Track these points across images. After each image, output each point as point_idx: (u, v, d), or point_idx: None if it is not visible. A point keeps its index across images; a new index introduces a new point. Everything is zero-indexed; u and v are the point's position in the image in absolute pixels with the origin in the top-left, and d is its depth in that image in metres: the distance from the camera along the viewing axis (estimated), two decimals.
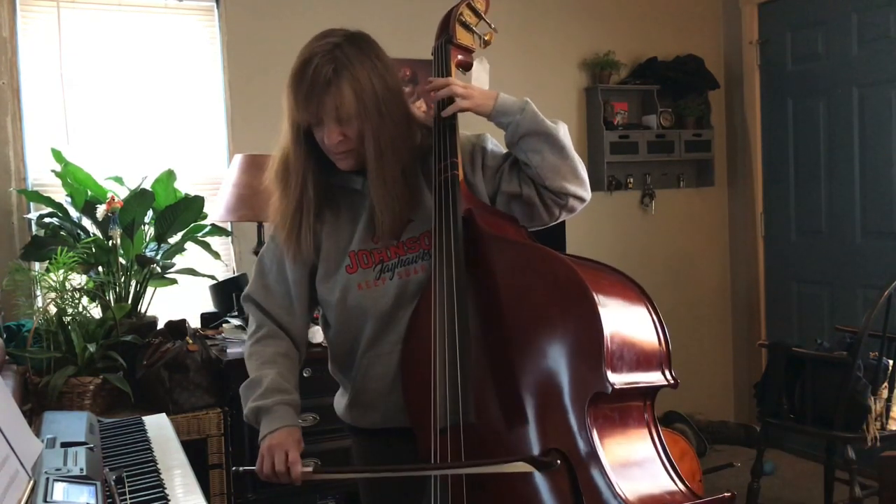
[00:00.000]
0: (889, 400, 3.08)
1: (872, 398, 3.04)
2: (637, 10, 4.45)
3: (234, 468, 1.62)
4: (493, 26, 1.81)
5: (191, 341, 2.83)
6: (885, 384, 3.08)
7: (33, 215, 3.12)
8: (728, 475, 3.87)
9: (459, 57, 1.76)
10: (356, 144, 1.59)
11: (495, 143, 1.74)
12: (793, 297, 4.41)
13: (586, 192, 1.66)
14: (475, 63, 1.85)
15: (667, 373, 1.53)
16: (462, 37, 1.76)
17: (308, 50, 1.57)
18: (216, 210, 3.18)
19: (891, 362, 3.11)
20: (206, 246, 3.14)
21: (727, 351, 4.75)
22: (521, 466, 1.37)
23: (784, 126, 4.41)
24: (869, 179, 4.00)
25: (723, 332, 4.74)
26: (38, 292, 2.99)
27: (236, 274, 3.46)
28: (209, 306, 3.39)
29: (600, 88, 4.26)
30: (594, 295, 1.43)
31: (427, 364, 1.52)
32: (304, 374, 1.69)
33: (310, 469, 1.54)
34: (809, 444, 4.13)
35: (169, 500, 1.49)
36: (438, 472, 1.45)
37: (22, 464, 1.32)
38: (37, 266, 3.07)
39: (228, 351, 2.88)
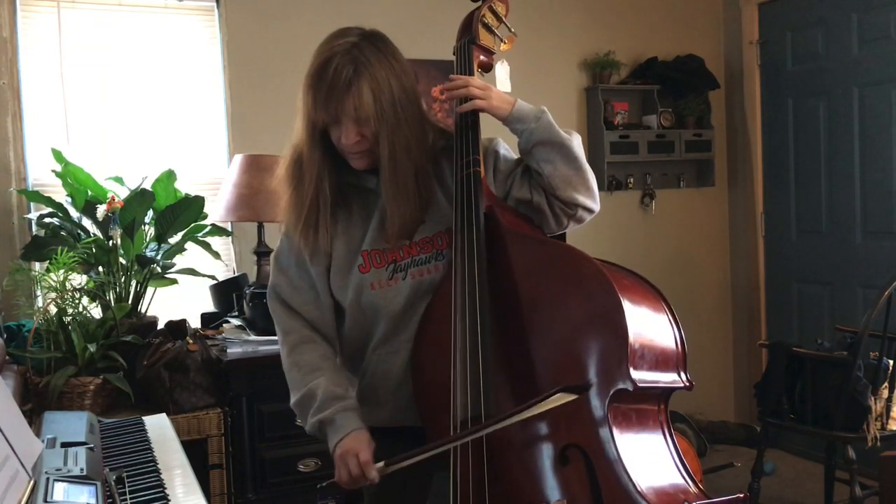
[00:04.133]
0: (889, 400, 3.08)
1: (873, 398, 3.04)
2: (637, 10, 4.45)
3: (318, 485, 1.60)
4: (512, 30, 1.83)
5: (191, 341, 2.83)
6: (886, 384, 3.08)
7: (33, 215, 3.12)
8: (728, 475, 3.87)
9: (482, 58, 1.78)
10: (372, 144, 1.59)
11: (507, 147, 1.75)
12: (793, 297, 4.41)
13: (596, 204, 1.68)
14: (497, 66, 1.88)
15: (683, 375, 1.56)
16: (484, 38, 1.78)
17: (327, 50, 1.57)
18: (216, 210, 3.18)
19: (891, 362, 3.11)
20: (207, 246, 3.14)
21: (727, 351, 4.75)
22: (561, 398, 1.34)
23: (784, 126, 4.41)
24: (869, 179, 4.00)
25: (723, 332, 4.74)
26: (39, 292, 2.99)
27: (236, 274, 3.46)
28: (209, 306, 3.39)
29: (600, 88, 4.26)
30: (619, 293, 1.44)
31: (444, 359, 1.53)
32: None
33: (381, 465, 1.53)
34: (809, 444, 4.13)
35: (169, 500, 1.49)
36: (489, 429, 1.43)
37: (22, 464, 1.32)
38: (37, 266, 3.07)
39: (229, 351, 2.88)
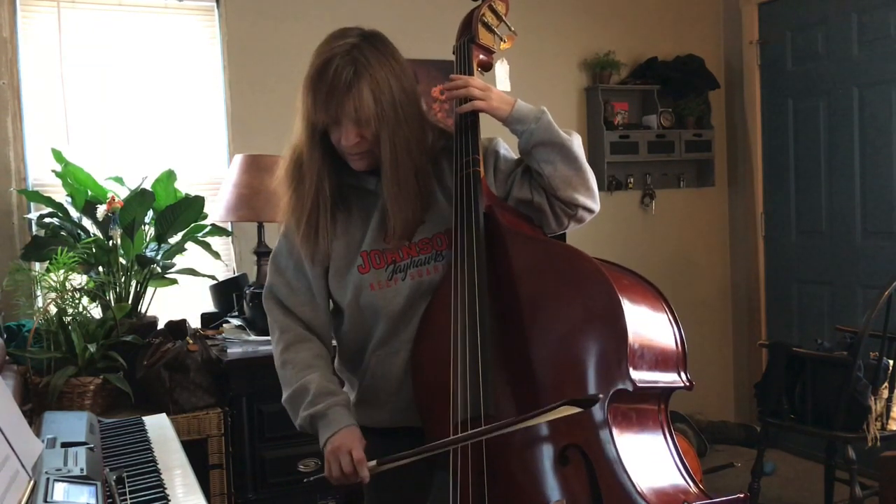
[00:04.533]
0: (889, 400, 3.08)
1: (873, 398, 3.04)
2: (637, 10, 4.45)
3: (304, 480, 1.61)
4: (512, 29, 1.83)
5: (191, 341, 2.83)
6: (886, 384, 3.08)
7: (33, 215, 3.12)
8: (728, 475, 3.87)
9: (481, 57, 1.78)
10: (372, 145, 1.59)
11: (507, 147, 1.75)
12: (793, 297, 4.41)
13: (596, 205, 1.69)
14: (497, 65, 1.88)
15: (683, 374, 1.56)
16: (484, 37, 1.78)
17: (327, 51, 1.56)
18: (216, 210, 3.18)
19: (891, 362, 3.11)
20: (207, 246, 3.14)
21: (727, 351, 4.75)
22: (566, 410, 1.32)
23: (784, 126, 4.41)
24: (869, 179, 4.00)
25: (723, 332, 4.74)
26: (39, 292, 2.99)
27: (236, 274, 3.46)
28: (209, 306, 3.39)
29: (600, 88, 4.26)
30: (619, 293, 1.44)
31: (443, 359, 1.53)
32: None
33: (374, 463, 1.52)
34: (809, 444, 4.13)
35: (169, 500, 1.49)
36: (487, 435, 1.42)
37: (22, 464, 1.32)
38: (37, 266, 3.07)
39: (229, 351, 2.88)
